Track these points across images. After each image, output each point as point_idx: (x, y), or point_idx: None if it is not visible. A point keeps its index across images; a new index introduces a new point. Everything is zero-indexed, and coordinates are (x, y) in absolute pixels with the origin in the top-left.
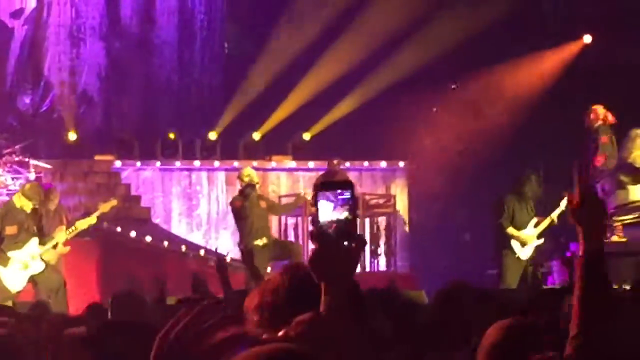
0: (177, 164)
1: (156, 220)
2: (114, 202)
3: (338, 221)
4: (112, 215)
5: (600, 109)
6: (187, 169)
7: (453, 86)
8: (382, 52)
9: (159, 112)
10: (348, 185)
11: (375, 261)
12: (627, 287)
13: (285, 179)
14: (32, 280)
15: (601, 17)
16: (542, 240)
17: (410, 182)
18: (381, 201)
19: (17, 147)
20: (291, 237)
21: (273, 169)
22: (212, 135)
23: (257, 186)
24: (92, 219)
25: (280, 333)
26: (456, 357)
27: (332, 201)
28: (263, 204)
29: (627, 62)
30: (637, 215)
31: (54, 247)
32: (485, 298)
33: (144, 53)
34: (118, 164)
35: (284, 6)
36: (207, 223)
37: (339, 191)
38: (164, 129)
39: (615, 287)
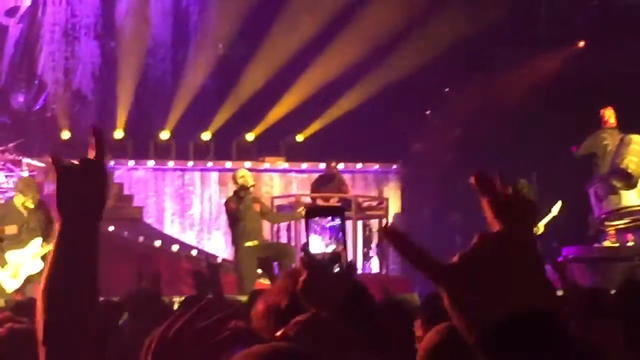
0: (171, 164)
1: (149, 220)
2: None
3: (329, 250)
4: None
5: (606, 111)
6: (181, 169)
7: (446, 89)
8: (377, 54)
9: (152, 112)
10: (339, 211)
11: (367, 264)
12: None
13: (279, 180)
14: (29, 280)
15: (595, 23)
16: None
17: (403, 184)
18: (374, 203)
19: (10, 145)
20: (284, 239)
21: (266, 170)
22: (206, 136)
23: (251, 188)
24: None
25: (279, 333)
26: None
27: (322, 228)
28: (257, 207)
29: (621, 68)
30: (629, 221)
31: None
32: None
33: (138, 53)
34: (111, 163)
35: (278, 8)
36: (199, 223)
37: (329, 218)
38: (157, 129)
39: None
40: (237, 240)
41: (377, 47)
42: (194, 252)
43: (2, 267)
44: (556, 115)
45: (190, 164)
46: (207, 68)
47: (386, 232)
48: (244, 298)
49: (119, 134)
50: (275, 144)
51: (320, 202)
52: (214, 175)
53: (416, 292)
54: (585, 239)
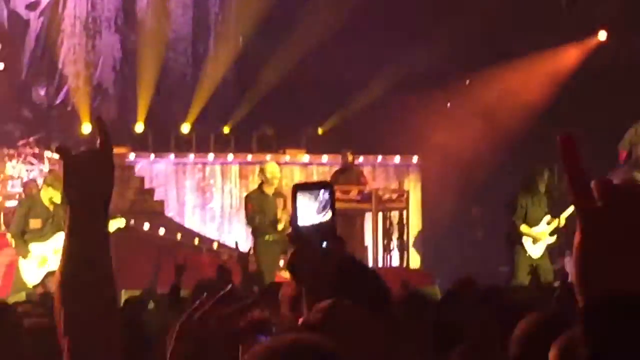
0: (191, 157)
1: (170, 213)
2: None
3: (318, 224)
4: (126, 208)
5: None
6: (201, 163)
7: (467, 81)
8: (398, 46)
9: (173, 106)
10: (326, 185)
11: (388, 257)
12: None
13: (299, 173)
14: (50, 274)
15: (618, 14)
16: (554, 238)
17: (423, 177)
18: (394, 196)
19: (31, 139)
20: None
21: (287, 163)
22: (226, 129)
23: (276, 182)
24: (120, 222)
25: (300, 320)
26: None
27: (310, 202)
28: (280, 201)
29: None
30: None
31: None
32: (490, 297)
33: (158, 46)
34: (132, 156)
35: (297, 1)
36: (220, 216)
37: (317, 192)
38: (177, 122)
39: None
40: (257, 233)
41: (398, 38)
42: (214, 245)
43: (25, 257)
44: (578, 107)
45: (211, 157)
46: (227, 61)
47: (563, 139)
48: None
49: (139, 127)
50: (296, 136)
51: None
52: (235, 168)
53: (437, 285)
54: None
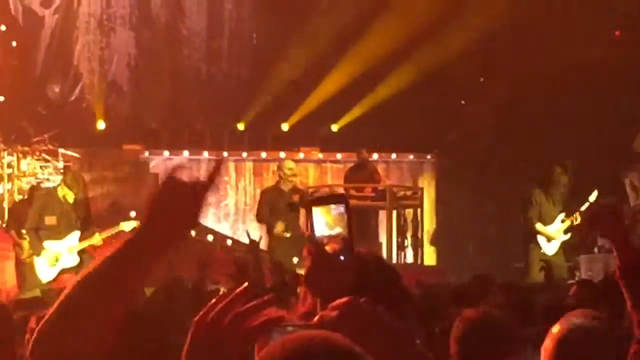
0: (205, 154)
1: None
2: None
3: (333, 237)
4: (141, 205)
5: None
6: (215, 160)
7: (481, 78)
8: (412, 44)
9: (187, 103)
10: (342, 199)
11: (402, 254)
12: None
13: (313, 171)
14: (67, 272)
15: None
16: (568, 236)
17: (438, 174)
18: (408, 193)
19: (46, 135)
20: None
21: (301, 160)
22: (240, 126)
23: (294, 179)
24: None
25: (316, 318)
26: None
27: (326, 216)
28: (296, 197)
29: None
30: None
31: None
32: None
33: (173, 43)
34: (146, 153)
35: None
36: (234, 214)
37: (333, 206)
38: (192, 119)
39: None
40: (272, 230)
41: (412, 36)
42: (228, 242)
43: (40, 254)
44: (592, 104)
45: (225, 154)
46: (242, 58)
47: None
48: None
49: (153, 124)
50: (310, 134)
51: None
52: (249, 166)
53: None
54: None
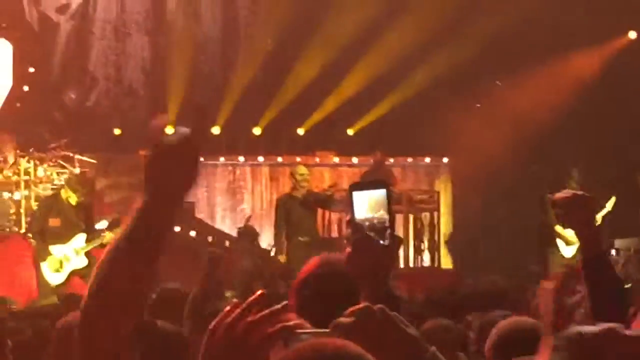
0: (221, 159)
1: (200, 215)
2: None
3: (374, 220)
4: None
5: None
6: (231, 164)
7: (498, 82)
8: (427, 47)
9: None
10: (382, 183)
11: (419, 257)
12: None
13: (329, 175)
14: (77, 274)
15: None
16: None
17: (454, 177)
18: (425, 197)
19: (62, 141)
20: (335, 233)
21: (317, 165)
22: (256, 131)
23: (306, 184)
24: None
25: (331, 325)
26: None
27: (366, 200)
28: (312, 202)
29: None
30: None
31: (102, 246)
32: None
33: (188, 48)
34: None
35: (327, 1)
36: (251, 218)
37: (373, 190)
38: (208, 124)
39: None
40: (289, 235)
41: (427, 39)
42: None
43: (45, 260)
44: (607, 108)
45: (241, 159)
46: (257, 63)
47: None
48: None
49: (169, 129)
50: (326, 138)
51: None
52: (265, 170)
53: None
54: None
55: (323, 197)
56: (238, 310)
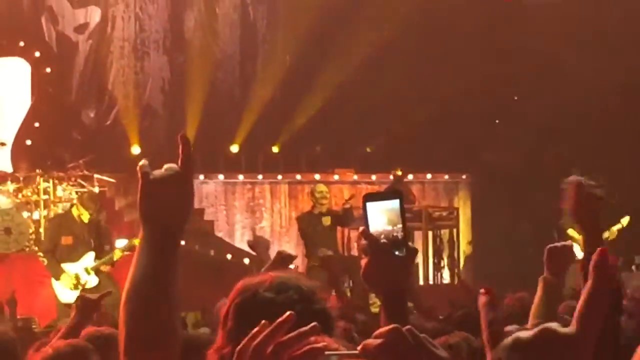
0: (240, 177)
1: (219, 233)
2: None
3: (389, 231)
4: None
5: None
6: (250, 182)
7: (515, 98)
8: (445, 64)
9: (221, 126)
10: (396, 194)
11: (439, 274)
12: None
13: (348, 192)
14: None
15: None
16: None
17: (473, 194)
18: (444, 214)
19: (81, 161)
20: (354, 251)
21: (336, 182)
22: (275, 149)
23: (325, 201)
24: None
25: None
26: None
27: (380, 212)
28: (330, 220)
29: None
30: None
31: (111, 264)
32: None
33: (206, 66)
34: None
35: (345, 18)
36: (270, 236)
37: (387, 201)
38: (226, 142)
39: None
40: (309, 252)
41: (445, 56)
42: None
43: (58, 279)
44: (625, 120)
45: (260, 177)
46: (275, 80)
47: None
48: None
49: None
50: (344, 155)
51: None
52: (284, 188)
53: None
54: None
55: (341, 213)
56: (266, 331)
